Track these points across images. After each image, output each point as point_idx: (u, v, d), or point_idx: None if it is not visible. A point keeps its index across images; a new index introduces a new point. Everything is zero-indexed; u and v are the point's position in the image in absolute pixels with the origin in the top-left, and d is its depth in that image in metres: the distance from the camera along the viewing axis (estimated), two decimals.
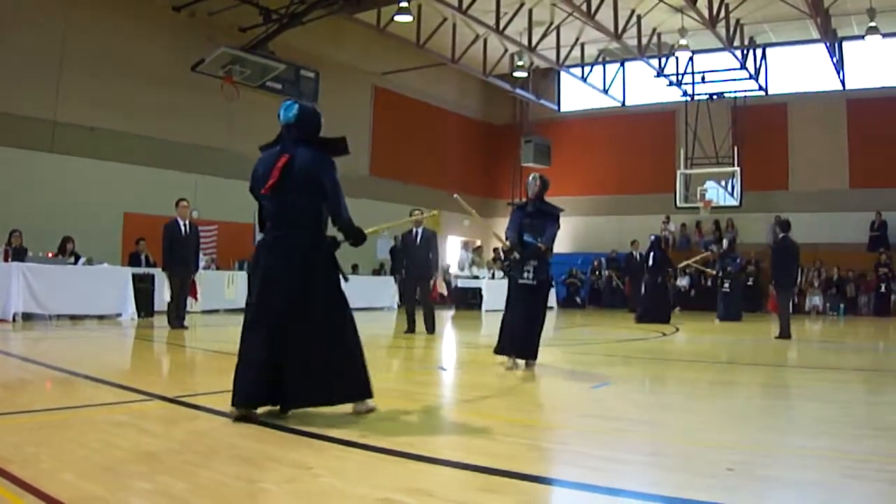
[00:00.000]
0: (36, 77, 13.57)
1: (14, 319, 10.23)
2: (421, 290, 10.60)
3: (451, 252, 22.95)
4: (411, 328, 10.37)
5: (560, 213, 6.65)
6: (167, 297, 10.24)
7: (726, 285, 15.19)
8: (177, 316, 10.05)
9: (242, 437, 3.52)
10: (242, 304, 15.77)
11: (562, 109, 24.19)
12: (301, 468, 2.98)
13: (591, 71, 21.42)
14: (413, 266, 10.43)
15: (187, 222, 10.27)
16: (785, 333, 10.36)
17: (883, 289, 18.04)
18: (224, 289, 14.18)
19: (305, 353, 3.91)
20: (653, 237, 14.87)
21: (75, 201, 13.77)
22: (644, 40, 18.35)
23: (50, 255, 11.53)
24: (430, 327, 10.30)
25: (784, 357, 8.73)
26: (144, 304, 11.83)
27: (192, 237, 10.33)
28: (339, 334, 4.03)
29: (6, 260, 10.78)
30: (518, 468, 3.07)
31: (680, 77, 20.45)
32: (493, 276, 19.07)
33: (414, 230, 10.31)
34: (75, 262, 11.75)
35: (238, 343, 4.01)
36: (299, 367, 3.88)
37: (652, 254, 14.34)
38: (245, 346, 3.96)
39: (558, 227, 6.56)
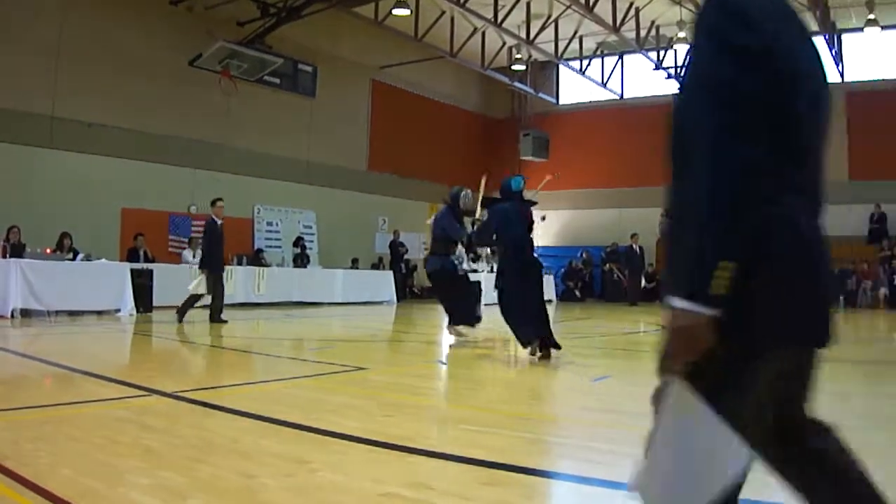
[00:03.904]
0: (33, 72, 13.51)
1: (12, 315, 10.19)
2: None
3: None
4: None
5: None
6: (202, 291, 10.26)
7: None
8: (219, 311, 10.24)
9: (241, 432, 3.52)
10: (241, 299, 15.61)
11: (560, 102, 24.15)
12: (300, 463, 2.97)
13: (589, 64, 21.37)
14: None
15: (222, 221, 10.51)
16: None
17: None
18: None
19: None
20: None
21: (73, 197, 13.73)
22: (642, 33, 18.31)
23: (48, 250, 11.48)
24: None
25: None
26: (143, 299, 11.80)
27: (223, 236, 10.59)
28: None
29: (4, 256, 10.75)
30: (518, 461, 3.07)
31: (679, 70, 20.39)
32: (491, 270, 19.05)
33: None
34: (73, 258, 11.72)
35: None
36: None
37: None
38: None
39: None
